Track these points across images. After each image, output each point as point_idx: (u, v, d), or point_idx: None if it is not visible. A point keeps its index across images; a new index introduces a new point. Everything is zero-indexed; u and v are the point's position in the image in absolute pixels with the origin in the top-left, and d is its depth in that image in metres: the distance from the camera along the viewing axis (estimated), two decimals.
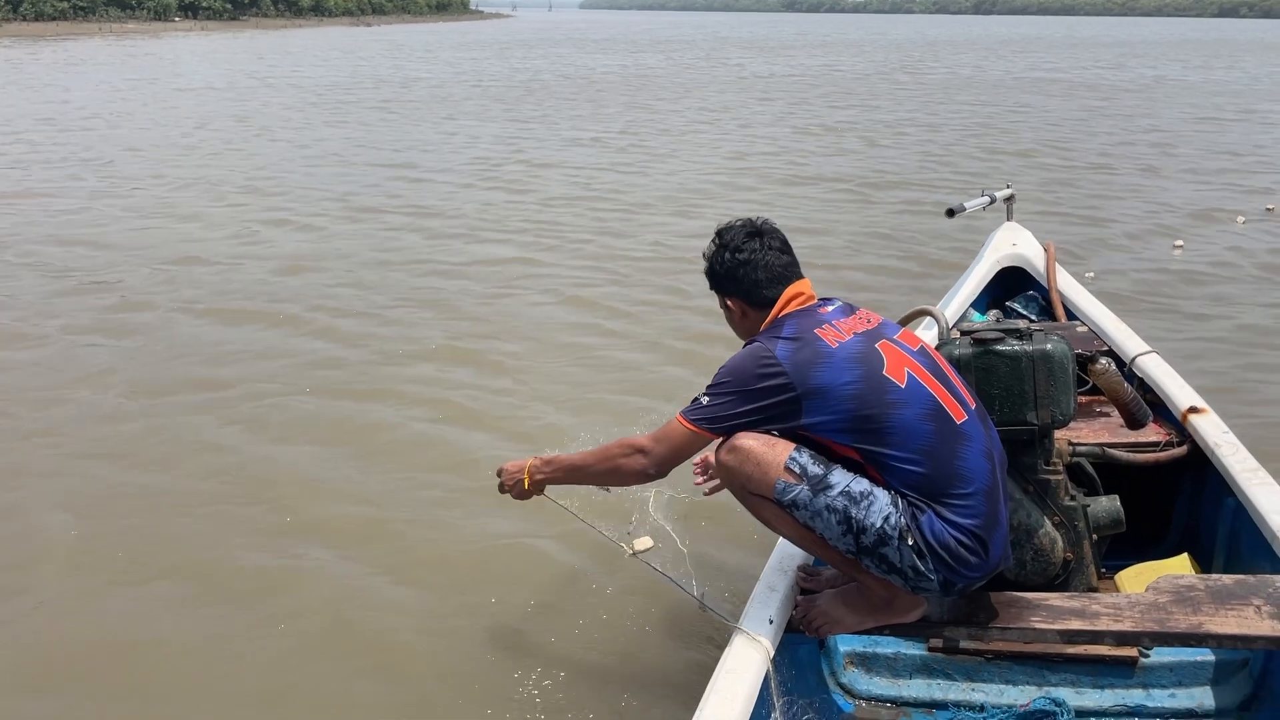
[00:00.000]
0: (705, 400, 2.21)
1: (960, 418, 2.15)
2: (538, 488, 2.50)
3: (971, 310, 4.16)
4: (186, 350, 5.83)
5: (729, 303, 2.37)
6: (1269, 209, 9.81)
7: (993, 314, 4.23)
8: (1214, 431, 3.00)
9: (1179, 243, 8.46)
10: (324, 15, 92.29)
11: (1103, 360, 2.88)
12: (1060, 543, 2.56)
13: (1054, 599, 2.35)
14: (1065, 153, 13.95)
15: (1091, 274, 7.37)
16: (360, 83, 26.03)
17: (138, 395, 5.14)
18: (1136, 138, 15.62)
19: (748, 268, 2.30)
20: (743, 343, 2.34)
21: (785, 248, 2.35)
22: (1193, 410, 3.12)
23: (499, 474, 2.57)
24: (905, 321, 3.06)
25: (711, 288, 2.42)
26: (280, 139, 15.13)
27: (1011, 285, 4.36)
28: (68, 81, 25.48)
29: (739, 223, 2.38)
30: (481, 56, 39.42)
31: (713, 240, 2.39)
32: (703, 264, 2.42)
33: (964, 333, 2.65)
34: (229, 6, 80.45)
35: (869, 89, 25.11)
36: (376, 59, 37.15)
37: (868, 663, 2.70)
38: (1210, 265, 7.83)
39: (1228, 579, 2.36)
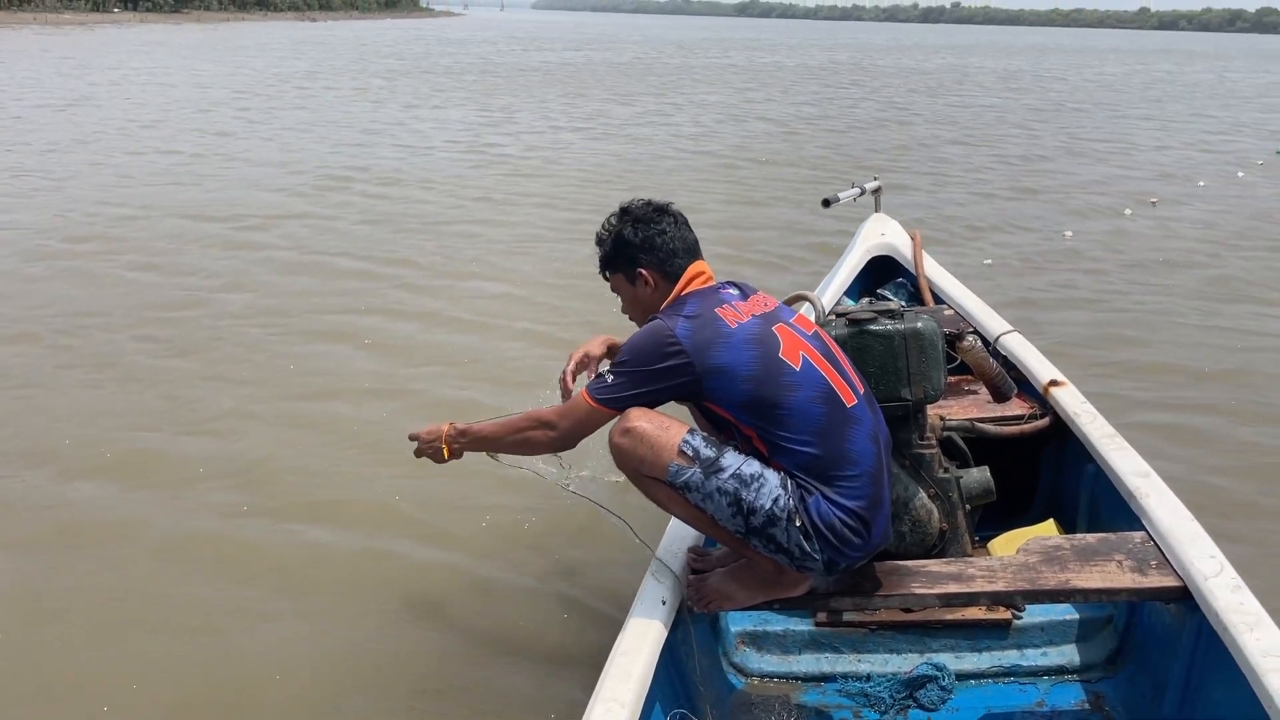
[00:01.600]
0: (610, 379, 2.22)
1: (850, 401, 2.20)
2: (456, 455, 2.48)
3: (845, 299, 4.28)
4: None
5: (642, 272, 2.34)
6: (1153, 202, 10.50)
7: (864, 301, 4.35)
8: (1073, 402, 3.16)
9: (1069, 232, 8.99)
10: (269, 9, 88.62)
11: (969, 337, 3.01)
12: (936, 514, 2.65)
13: (932, 565, 2.43)
14: (971, 145, 14.80)
15: (989, 261, 7.79)
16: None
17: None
18: (1044, 132, 16.64)
19: (663, 237, 2.33)
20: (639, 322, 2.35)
21: (689, 226, 2.40)
22: (1053, 384, 3.28)
23: (412, 439, 2.52)
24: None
25: (614, 267, 2.40)
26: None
27: (881, 274, 4.50)
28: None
29: (642, 201, 2.41)
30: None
31: (618, 218, 2.39)
32: (597, 248, 2.41)
33: (839, 315, 2.73)
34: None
35: (801, 84, 26.23)
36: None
37: (758, 641, 2.75)
38: (1093, 250, 8.34)
39: (1091, 538, 2.49)
